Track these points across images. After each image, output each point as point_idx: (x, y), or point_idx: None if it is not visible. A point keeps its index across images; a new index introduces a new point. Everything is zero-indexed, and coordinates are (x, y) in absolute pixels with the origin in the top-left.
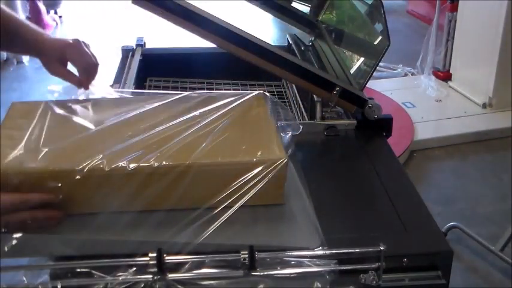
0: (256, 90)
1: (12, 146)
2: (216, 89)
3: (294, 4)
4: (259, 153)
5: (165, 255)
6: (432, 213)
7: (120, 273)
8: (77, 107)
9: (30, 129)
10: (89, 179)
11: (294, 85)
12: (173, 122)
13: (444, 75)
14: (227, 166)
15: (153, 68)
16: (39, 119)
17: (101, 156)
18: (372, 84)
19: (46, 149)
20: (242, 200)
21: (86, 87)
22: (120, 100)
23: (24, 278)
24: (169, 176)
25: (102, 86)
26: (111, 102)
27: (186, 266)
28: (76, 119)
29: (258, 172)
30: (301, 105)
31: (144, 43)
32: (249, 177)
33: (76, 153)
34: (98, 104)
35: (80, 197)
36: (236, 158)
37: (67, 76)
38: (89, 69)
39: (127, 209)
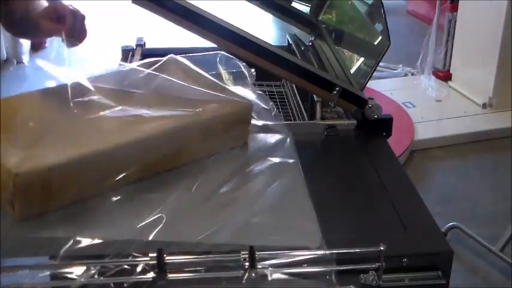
0: (256, 90)
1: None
2: None
3: (294, 4)
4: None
5: (165, 255)
6: (432, 213)
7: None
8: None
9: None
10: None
11: (294, 85)
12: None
13: (444, 75)
14: (203, 118)
15: None
16: None
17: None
18: (372, 84)
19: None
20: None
21: (75, 38)
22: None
23: (24, 278)
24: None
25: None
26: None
27: (186, 266)
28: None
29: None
30: (301, 105)
31: (144, 43)
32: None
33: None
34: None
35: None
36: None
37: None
38: (77, 18)
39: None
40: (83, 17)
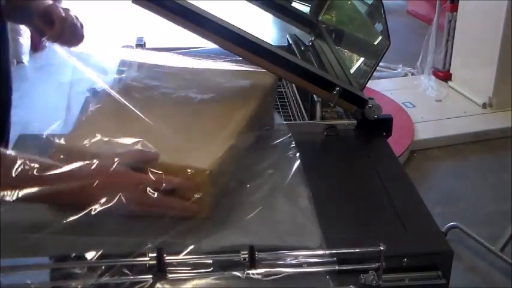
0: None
1: None
2: None
3: (294, 4)
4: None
5: (165, 255)
6: (432, 213)
7: (120, 274)
8: None
9: None
10: None
11: (294, 85)
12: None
13: (444, 75)
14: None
15: None
16: None
17: None
18: (372, 84)
19: None
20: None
21: (54, 40)
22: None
23: (25, 278)
24: None
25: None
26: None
27: (186, 266)
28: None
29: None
30: (301, 105)
31: (144, 43)
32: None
33: None
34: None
35: None
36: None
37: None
38: (65, 24)
39: None
40: (72, 23)
